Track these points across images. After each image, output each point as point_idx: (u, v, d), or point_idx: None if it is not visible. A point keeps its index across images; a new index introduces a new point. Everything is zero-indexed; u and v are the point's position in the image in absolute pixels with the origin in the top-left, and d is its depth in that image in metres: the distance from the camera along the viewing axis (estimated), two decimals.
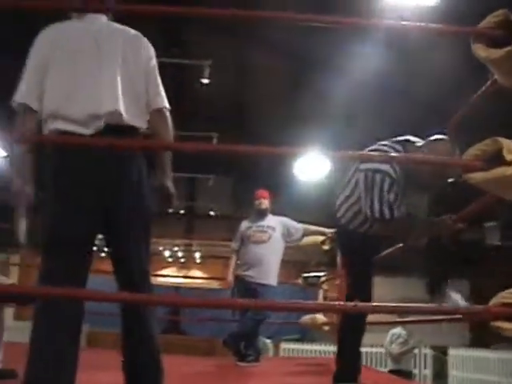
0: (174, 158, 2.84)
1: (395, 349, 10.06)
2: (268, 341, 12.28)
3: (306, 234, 6.69)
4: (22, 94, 2.68)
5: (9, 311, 10.81)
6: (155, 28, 10.18)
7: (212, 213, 19.09)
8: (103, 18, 2.88)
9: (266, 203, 6.69)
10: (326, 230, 6.50)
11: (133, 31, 2.90)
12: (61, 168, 2.64)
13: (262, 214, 6.65)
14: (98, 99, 2.65)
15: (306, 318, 7.46)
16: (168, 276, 18.23)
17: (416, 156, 3.71)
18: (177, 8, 2.74)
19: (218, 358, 7.49)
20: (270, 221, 6.61)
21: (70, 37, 2.77)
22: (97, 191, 2.63)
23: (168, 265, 18.89)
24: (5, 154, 11.54)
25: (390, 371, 9.24)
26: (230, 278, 6.54)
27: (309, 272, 7.89)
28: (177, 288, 18.01)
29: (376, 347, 11.87)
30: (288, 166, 12.02)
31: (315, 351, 12.02)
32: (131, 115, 2.72)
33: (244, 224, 6.71)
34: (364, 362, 10.97)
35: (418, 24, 2.80)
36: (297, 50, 10.90)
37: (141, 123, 2.80)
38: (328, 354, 10.52)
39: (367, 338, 10.14)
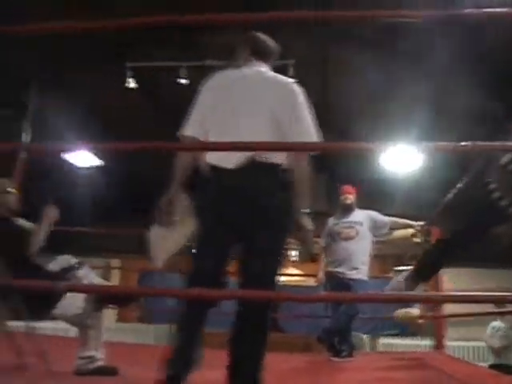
0: None
1: (496, 343, 9.84)
2: (364, 336, 12.21)
3: (395, 227, 6.63)
4: (190, 128, 3.18)
5: (111, 313, 11.31)
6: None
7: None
8: (259, 67, 3.33)
9: (351, 198, 6.69)
10: (414, 223, 6.45)
11: (283, 78, 3.26)
12: (211, 190, 3.06)
13: (347, 210, 6.66)
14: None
15: (401, 311, 7.38)
16: None
17: None
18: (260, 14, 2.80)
19: (314, 354, 7.51)
20: (356, 216, 6.60)
21: (230, 84, 3.23)
22: (235, 210, 2.97)
23: None
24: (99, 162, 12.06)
25: (491, 366, 9.01)
26: (321, 275, 6.58)
27: (403, 266, 7.75)
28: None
29: (475, 341, 11.58)
30: (375, 160, 11.87)
31: (415, 345, 11.79)
32: (273, 154, 3.04)
33: (331, 221, 6.74)
34: (463, 357, 10.79)
35: None
36: (384, 46, 10.78)
37: (282, 160, 3.07)
38: (426, 347, 10.33)
39: (465, 331, 9.92)
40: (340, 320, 6.16)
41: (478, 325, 10.75)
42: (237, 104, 3.13)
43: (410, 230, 6.67)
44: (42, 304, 3.85)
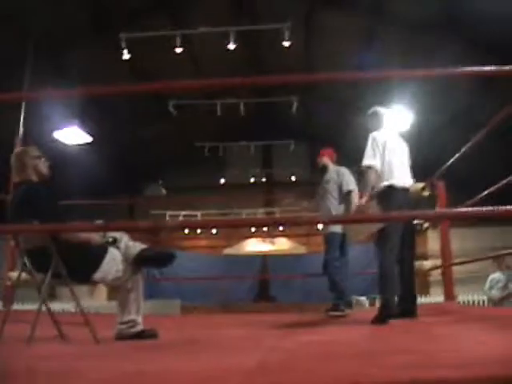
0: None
1: (495, 294, 9.96)
2: (363, 298, 12.35)
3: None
4: (371, 161, 5.25)
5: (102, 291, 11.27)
6: None
7: (293, 178, 19.24)
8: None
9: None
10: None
11: None
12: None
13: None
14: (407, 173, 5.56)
15: None
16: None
17: None
18: None
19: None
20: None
21: (390, 136, 5.49)
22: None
23: (253, 234, 19.15)
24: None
25: None
26: None
27: None
28: (264, 256, 18.28)
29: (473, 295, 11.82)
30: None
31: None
32: None
33: None
34: None
35: None
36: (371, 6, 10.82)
37: None
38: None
39: (466, 288, 9.99)
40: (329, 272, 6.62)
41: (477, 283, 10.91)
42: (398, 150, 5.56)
43: (420, 184, 6.73)
44: (84, 268, 3.83)
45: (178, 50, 9.70)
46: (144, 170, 17.82)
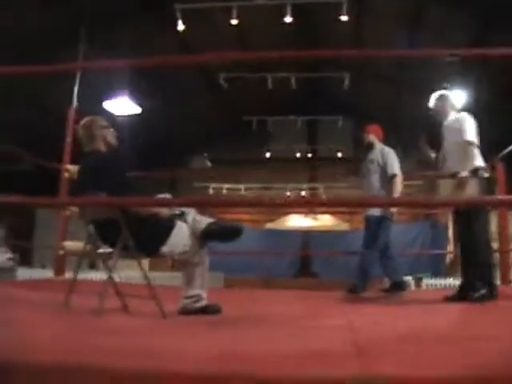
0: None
1: None
2: (409, 277, 12.20)
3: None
4: (474, 138, 5.17)
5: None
6: None
7: (339, 155, 19.00)
8: None
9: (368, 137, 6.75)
10: None
11: None
12: None
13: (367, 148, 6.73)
14: None
15: None
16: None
17: None
18: None
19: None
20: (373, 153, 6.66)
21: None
22: None
23: (296, 210, 19.04)
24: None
25: None
26: None
27: None
28: (306, 232, 18.21)
29: None
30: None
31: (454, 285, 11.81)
32: None
33: None
34: None
35: None
36: None
37: None
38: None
39: None
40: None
41: None
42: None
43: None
44: (152, 240, 3.80)
45: (234, 22, 9.57)
46: (191, 142, 17.80)
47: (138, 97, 11.51)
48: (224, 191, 18.09)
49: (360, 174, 6.79)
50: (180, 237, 3.85)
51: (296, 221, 18.80)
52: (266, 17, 10.70)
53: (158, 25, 10.90)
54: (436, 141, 5.64)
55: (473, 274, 5.14)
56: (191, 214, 4.01)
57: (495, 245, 7.63)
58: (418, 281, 12.31)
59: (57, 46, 9.42)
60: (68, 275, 7.73)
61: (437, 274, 14.67)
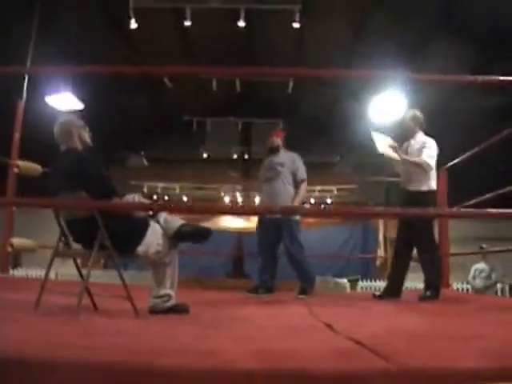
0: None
1: (479, 283, 10.27)
2: (344, 280, 12.52)
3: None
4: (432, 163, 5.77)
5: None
6: None
7: None
8: None
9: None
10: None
11: None
12: None
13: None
14: None
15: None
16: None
17: None
18: None
19: None
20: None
21: None
22: None
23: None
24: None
25: None
26: None
27: None
28: (240, 233, 18.33)
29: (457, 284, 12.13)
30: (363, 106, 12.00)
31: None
32: None
33: None
34: None
35: None
36: None
37: None
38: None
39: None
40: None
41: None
42: None
43: None
44: (128, 240, 3.84)
45: (187, 24, 9.60)
46: (129, 140, 17.66)
47: (81, 92, 11.34)
48: (159, 190, 18.06)
49: (262, 177, 6.84)
50: (154, 236, 3.90)
51: (230, 221, 18.91)
52: (218, 21, 10.73)
53: (108, 18, 10.81)
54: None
55: (430, 274, 5.77)
56: (163, 214, 4.07)
57: None
58: (354, 283, 12.67)
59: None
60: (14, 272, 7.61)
61: (367, 276, 15.14)
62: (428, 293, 5.65)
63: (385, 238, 17.91)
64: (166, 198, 18.28)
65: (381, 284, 12.51)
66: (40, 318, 3.47)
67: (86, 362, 2.00)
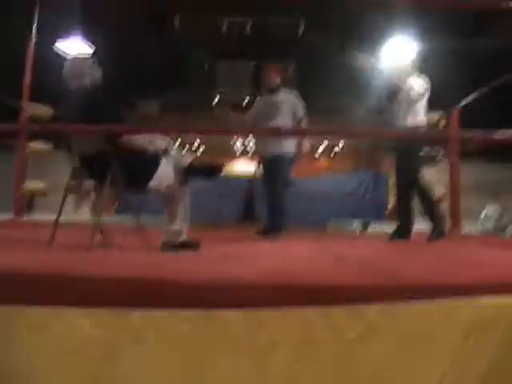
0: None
1: (489, 224, 10.32)
2: (356, 221, 12.61)
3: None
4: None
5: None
6: None
7: None
8: None
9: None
10: None
11: None
12: None
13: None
14: None
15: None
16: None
17: None
18: None
19: None
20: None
21: None
22: None
23: (239, 157, 19.30)
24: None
25: None
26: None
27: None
28: (252, 178, 18.35)
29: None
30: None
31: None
32: None
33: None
34: None
35: None
36: None
37: None
38: None
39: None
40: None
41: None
42: None
43: (436, 116, 6.89)
44: (141, 175, 3.90)
45: None
46: (139, 86, 17.60)
47: (90, 38, 11.27)
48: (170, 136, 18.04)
49: (259, 116, 6.66)
50: (166, 171, 3.94)
51: (243, 167, 18.95)
52: None
53: None
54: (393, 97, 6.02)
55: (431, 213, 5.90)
56: (174, 150, 4.11)
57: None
58: (366, 224, 12.69)
59: None
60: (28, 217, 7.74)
61: (379, 219, 15.18)
62: (435, 232, 5.80)
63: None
64: (177, 142, 18.27)
65: (392, 227, 12.53)
66: (52, 250, 3.57)
67: (100, 275, 2.11)
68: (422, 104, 5.83)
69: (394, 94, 5.91)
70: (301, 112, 6.56)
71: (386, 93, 6.06)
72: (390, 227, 12.33)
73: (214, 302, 1.99)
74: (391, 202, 15.88)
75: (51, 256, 3.07)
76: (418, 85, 5.76)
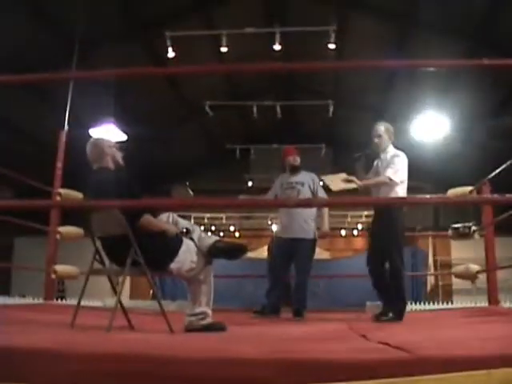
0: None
1: None
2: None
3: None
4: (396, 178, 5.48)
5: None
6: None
7: (321, 183, 19.09)
8: None
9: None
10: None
11: None
12: None
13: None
14: None
15: (460, 267, 7.34)
16: None
17: None
18: None
19: None
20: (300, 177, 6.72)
21: None
22: None
23: None
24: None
25: None
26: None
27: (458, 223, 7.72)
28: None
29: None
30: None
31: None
32: None
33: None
34: None
35: None
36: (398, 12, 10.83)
37: None
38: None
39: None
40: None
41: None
42: None
43: (468, 188, 6.78)
44: (161, 257, 3.85)
45: (223, 50, 9.72)
46: (172, 170, 17.86)
47: (123, 124, 11.55)
48: (205, 220, 18.09)
49: (279, 195, 6.71)
50: (188, 254, 3.88)
51: None
52: (254, 44, 10.83)
53: (145, 53, 11.05)
54: (370, 166, 5.96)
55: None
56: (197, 231, 4.07)
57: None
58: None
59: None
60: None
61: (418, 300, 14.74)
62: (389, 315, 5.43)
63: (435, 260, 17.56)
64: (213, 228, 18.27)
65: (432, 307, 12.17)
66: (71, 332, 3.51)
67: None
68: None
69: None
70: (320, 194, 6.53)
71: None
72: (430, 306, 12.06)
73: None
74: (430, 281, 15.55)
75: (63, 337, 3.00)
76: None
